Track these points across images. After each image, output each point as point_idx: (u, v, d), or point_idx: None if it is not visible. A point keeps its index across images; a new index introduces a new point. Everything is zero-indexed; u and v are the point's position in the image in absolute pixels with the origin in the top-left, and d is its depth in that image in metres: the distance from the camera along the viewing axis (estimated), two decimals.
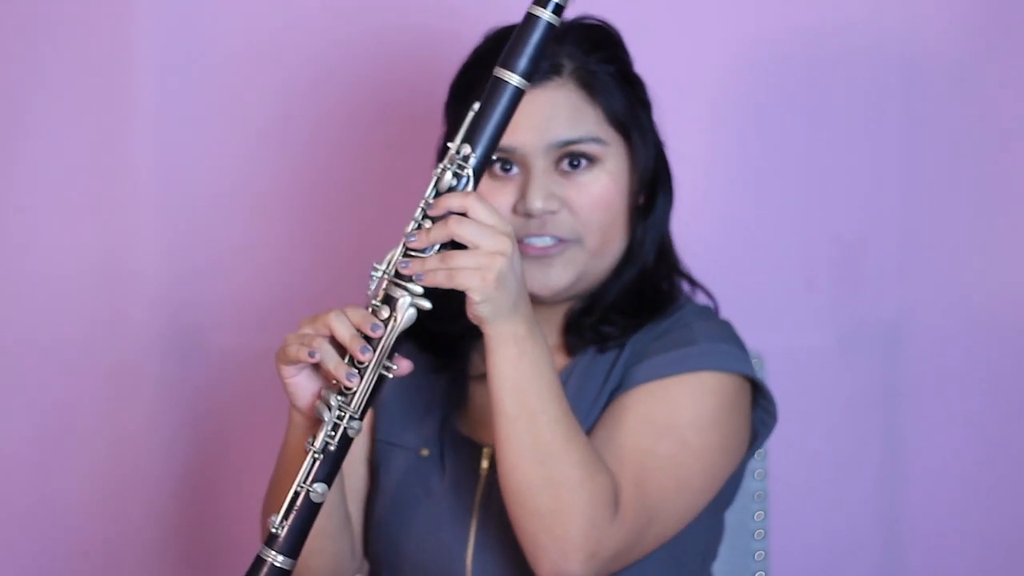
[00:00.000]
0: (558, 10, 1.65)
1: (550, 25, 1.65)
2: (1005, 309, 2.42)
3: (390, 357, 1.65)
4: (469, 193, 1.64)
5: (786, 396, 2.03)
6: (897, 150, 2.43)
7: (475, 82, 1.81)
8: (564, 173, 1.85)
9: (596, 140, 1.85)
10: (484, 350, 1.74)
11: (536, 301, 1.81)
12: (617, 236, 1.88)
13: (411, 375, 1.80)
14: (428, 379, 1.94)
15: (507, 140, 1.77)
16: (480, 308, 1.64)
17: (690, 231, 2.42)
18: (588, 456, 1.71)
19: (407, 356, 1.74)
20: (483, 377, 1.85)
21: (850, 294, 2.43)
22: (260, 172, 2.44)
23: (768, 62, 2.42)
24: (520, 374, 1.68)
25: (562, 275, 1.86)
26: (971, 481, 2.43)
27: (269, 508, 1.80)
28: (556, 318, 1.94)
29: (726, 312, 2.01)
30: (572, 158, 1.85)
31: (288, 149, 2.43)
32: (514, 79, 1.64)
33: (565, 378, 1.89)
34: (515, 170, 1.85)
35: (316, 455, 1.65)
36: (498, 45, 1.70)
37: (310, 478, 1.65)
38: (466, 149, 1.64)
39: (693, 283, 1.97)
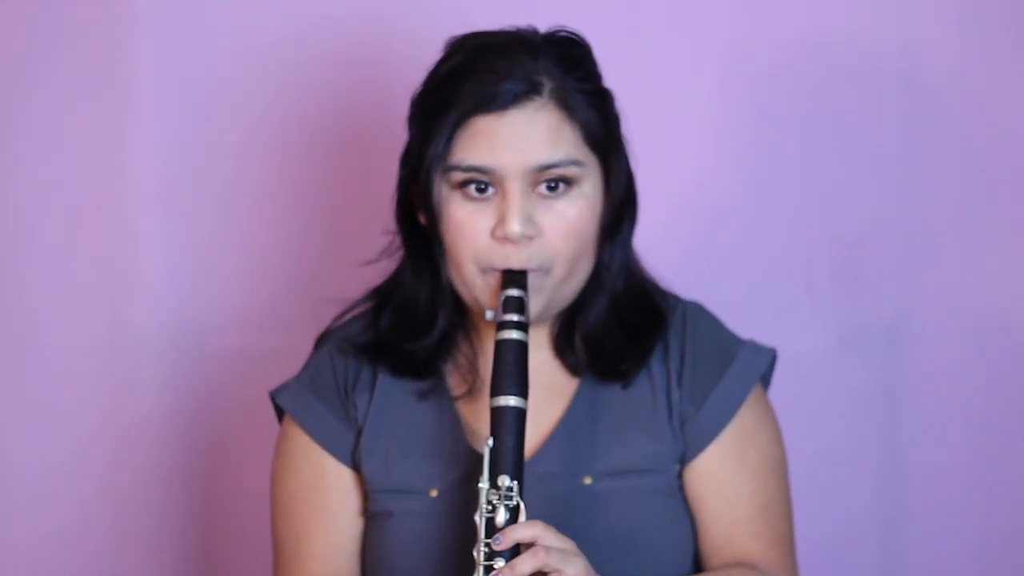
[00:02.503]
0: (523, 327, 1.76)
1: (521, 343, 1.75)
2: (1005, 309, 2.42)
3: None
4: (535, 523, 1.71)
5: (785, 397, 2.04)
6: (897, 150, 2.43)
7: (440, 103, 1.83)
8: (541, 196, 1.83)
9: (575, 163, 1.83)
10: (461, 369, 1.85)
11: None
12: (585, 262, 1.87)
13: (400, 412, 1.86)
14: (416, 411, 1.92)
15: (486, 161, 1.80)
16: None
17: (690, 231, 2.43)
18: None
19: (388, 386, 1.86)
20: (467, 396, 1.90)
21: (850, 294, 2.44)
22: (260, 173, 2.44)
23: (768, 63, 2.42)
24: None
25: (533, 307, 1.83)
26: (971, 481, 2.43)
27: None
28: (542, 339, 1.93)
29: (726, 313, 2.01)
30: (550, 181, 1.83)
31: (289, 150, 2.44)
32: (511, 401, 1.73)
33: (583, 403, 1.90)
34: (490, 191, 1.83)
35: None
36: (462, 56, 1.81)
37: None
38: (506, 480, 1.72)
39: (660, 290, 1.98)
